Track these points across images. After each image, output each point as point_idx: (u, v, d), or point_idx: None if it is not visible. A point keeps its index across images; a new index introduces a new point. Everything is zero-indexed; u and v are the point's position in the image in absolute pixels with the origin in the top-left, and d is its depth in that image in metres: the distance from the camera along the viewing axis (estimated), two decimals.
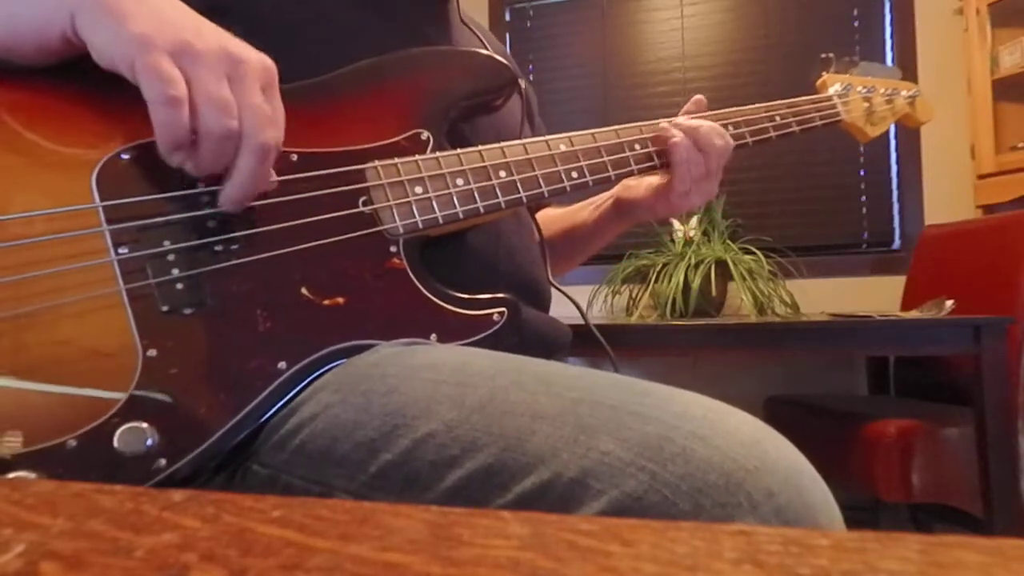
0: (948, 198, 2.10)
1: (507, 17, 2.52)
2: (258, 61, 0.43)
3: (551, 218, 0.84)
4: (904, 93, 0.88)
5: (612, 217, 0.78)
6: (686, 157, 0.65)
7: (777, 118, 0.75)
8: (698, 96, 0.74)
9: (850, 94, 0.84)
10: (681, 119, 0.68)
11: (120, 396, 0.39)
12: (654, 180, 0.71)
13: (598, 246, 0.83)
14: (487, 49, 0.62)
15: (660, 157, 0.66)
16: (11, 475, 0.36)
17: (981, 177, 1.97)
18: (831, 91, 0.83)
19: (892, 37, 2.19)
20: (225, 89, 0.41)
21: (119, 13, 0.40)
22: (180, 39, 0.40)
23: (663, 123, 0.67)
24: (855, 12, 2.22)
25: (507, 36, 2.50)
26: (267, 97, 0.43)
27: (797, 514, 0.31)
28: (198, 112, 0.40)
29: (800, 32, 2.26)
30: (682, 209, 0.70)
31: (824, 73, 0.86)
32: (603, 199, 0.80)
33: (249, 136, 0.42)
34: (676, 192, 0.67)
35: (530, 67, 2.48)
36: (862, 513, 1.80)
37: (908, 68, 2.15)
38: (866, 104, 0.85)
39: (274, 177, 0.46)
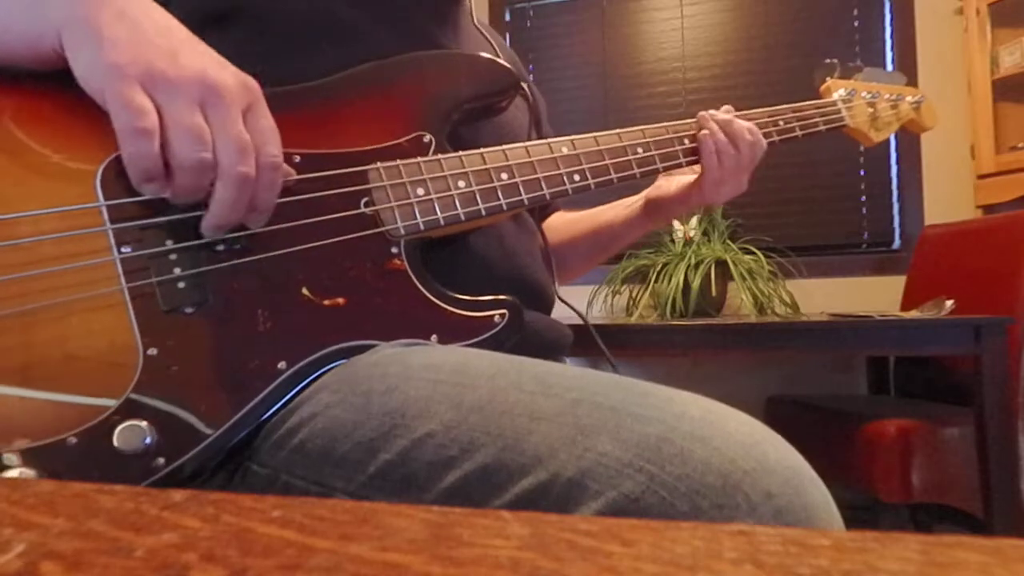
0: (948, 198, 2.10)
1: (507, 17, 2.52)
2: (237, 85, 0.42)
3: (571, 220, 0.86)
4: (909, 99, 0.88)
5: (640, 218, 0.81)
6: (714, 148, 0.69)
7: (781, 122, 0.76)
8: (726, 107, 0.76)
9: (854, 99, 0.84)
10: (715, 111, 0.72)
11: (119, 396, 0.39)
12: (685, 176, 0.75)
13: (622, 245, 0.86)
14: (498, 54, 0.62)
15: (664, 161, 0.67)
16: (11, 472, 0.36)
17: (981, 177, 1.97)
18: (835, 96, 0.84)
19: (892, 37, 2.19)
20: (197, 118, 0.40)
21: (99, 37, 0.40)
22: (153, 68, 0.40)
23: (701, 114, 0.71)
24: (855, 12, 2.22)
25: (507, 36, 2.50)
26: (253, 118, 0.43)
27: (796, 515, 0.31)
28: (170, 143, 0.40)
29: (800, 32, 2.26)
30: (715, 199, 0.73)
31: (828, 79, 0.86)
32: (630, 200, 0.83)
33: (225, 166, 0.41)
34: (708, 180, 0.71)
35: (530, 67, 2.48)
36: (862, 513, 1.80)
37: (908, 68, 2.15)
38: (870, 109, 0.85)
39: (292, 175, 0.46)
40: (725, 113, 0.73)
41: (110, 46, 0.39)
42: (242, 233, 0.45)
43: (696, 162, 0.71)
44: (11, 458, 0.36)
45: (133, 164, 0.40)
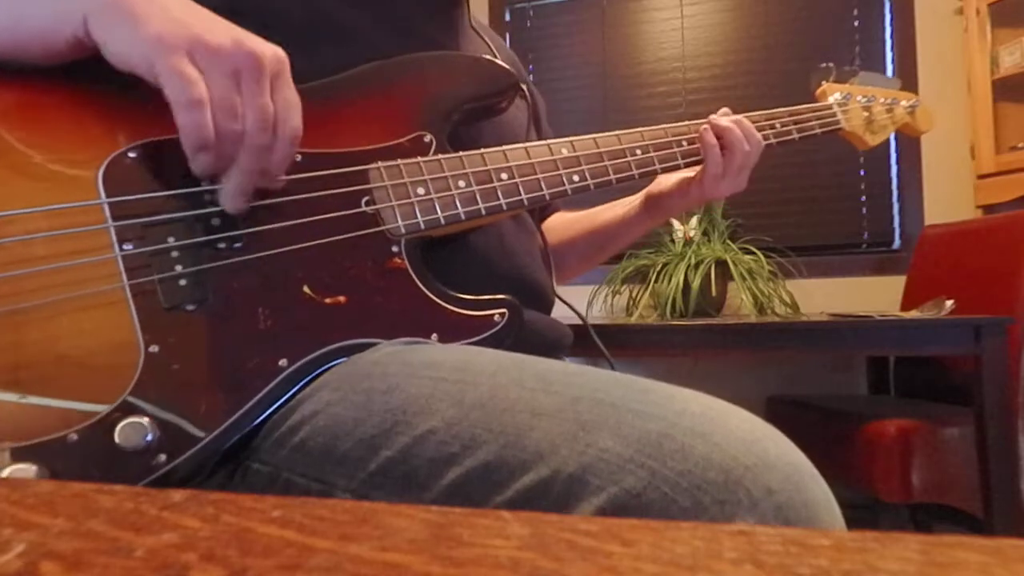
0: (948, 198, 2.10)
1: (507, 17, 2.52)
2: (271, 53, 0.43)
3: (570, 220, 0.86)
4: (904, 103, 0.89)
5: (640, 215, 0.81)
6: (716, 141, 0.70)
7: (778, 125, 0.77)
8: (724, 109, 0.77)
9: (850, 103, 0.85)
10: (720, 119, 0.73)
11: (120, 393, 0.39)
12: (685, 172, 0.75)
13: (621, 245, 0.86)
14: (496, 56, 0.63)
15: (662, 163, 0.67)
16: (10, 469, 0.36)
17: (981, 177, 1.97)
18: (831, 100, 0.84)
19: (892, 37, 2.19)
20: (233, 90, 0.42)
21: (133, 14, 0.40)
22: (196, 37, 0.41)
23: (711, 117, 0.72)
24: (855, 12, 2.22)
25: (507, 36, 2.50)
26: (278, 87, 0.44)
27: (797, 511, 0.31)
28: (214, 115, 0.41)
29: (800, 32, 2.27)
30: (715, 195, 0.74)
31: (824, 82, 0.87)
32: (629, 200, 0.83)
33: (250, 135, 0.42)
34: (709, 175, 0.72)
35: (530, 67, 2.48)
36: (862, 513, 1.80)
37: (908, 68, 2.15)
38: (866, 113, 0.86)
39: (282, 177, 0.46)
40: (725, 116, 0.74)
41: (147, 21, 0.40)
42: (243, 231, 0.45)
43: (694, 163, 0.72)
44: (4, 457, 0.36)
45: (190, 134, 0.41)
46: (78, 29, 0.41)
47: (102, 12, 0.41)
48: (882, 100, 0.87)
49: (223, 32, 0.42)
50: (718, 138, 0.71)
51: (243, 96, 0.42)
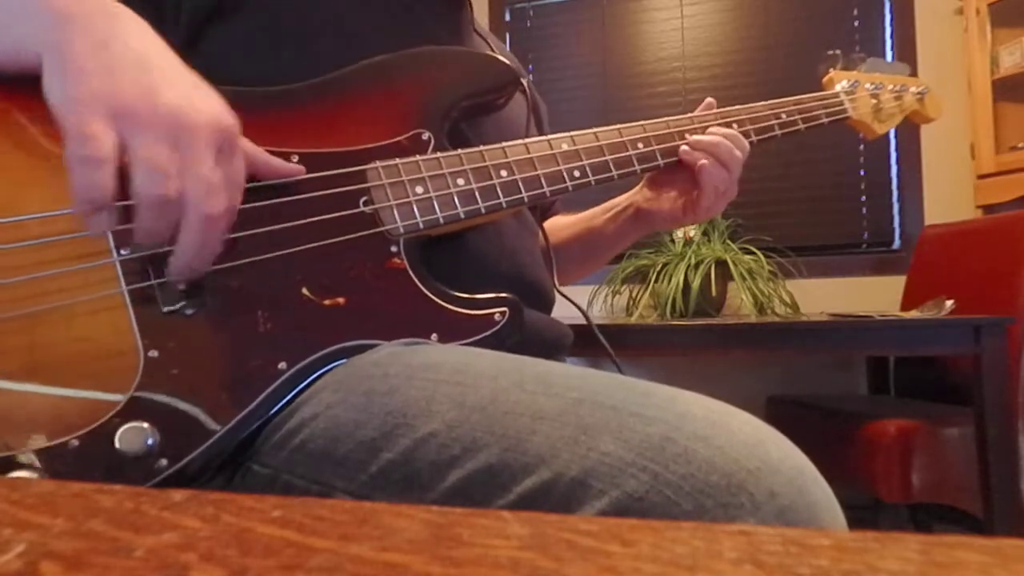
0: (948, 198, 2.10)
1: (507, 17, 2.52)
2: (211, 123, 0.40)
3: (563, 224, 0.84)
4: (913, 89, 0.87)
5: (632, 226, 0.79)
6: (714, 175, 0.68)
7: (783, 115, 0.75)
8: (709, 99, 0.74)
9: (857, 91, 0.82)
10: (699, 136, 0.69)
11: (120, 398, 0.39)
12: (676, 192, 0.74)
13: (614, 253, 0.85)
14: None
15: (664, 156, 0.66)
16: (12, 474, 0.36)
17: (981, 177, 1.97)
18: (837, 88, 0.82)
19: (892, 37, 2.19)
20: (163, 154, 0.38)
21: (70, 65, 0.38)
22: (122, 104, 0.38)
23: (684, 144, 0.68)
24: (855, 12, 2.22)
25: (507, 36, 2.50)
26: (223, 159, 0.41)
27: (799, 515, 0.31)
28: (132, 176, 0.38)
29: (800, 32, 2.26)
30: (708, 217, 0.74)
31: (831, 70, 0.85)
32: (619, 206, 0.80)
33: (190, 205, 0.39)
34: (703, 207, 0.71)
35: (530, 67, 2.48)
36: (862, 513, 1.80)
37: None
38: (874, 101, 0.83)
39: (301, 172, 0.45)
40: (711, 133, 0.69)
41: (79, 77, 0.38)
42: (240, 234, 0.45)
43: (685, 169, 0.70)
44: (29, 456, 0.36)
45: (78, 193, 0.37)
46: (37, 62, 0.39)
47: (49, 56, 0.38)
48: (890, 87, 0.85)
49: (165, 99, 0.39)
50: (708, 153, 0.68)
51: (182, 163, 0.39)
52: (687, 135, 0.68)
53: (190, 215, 0.39)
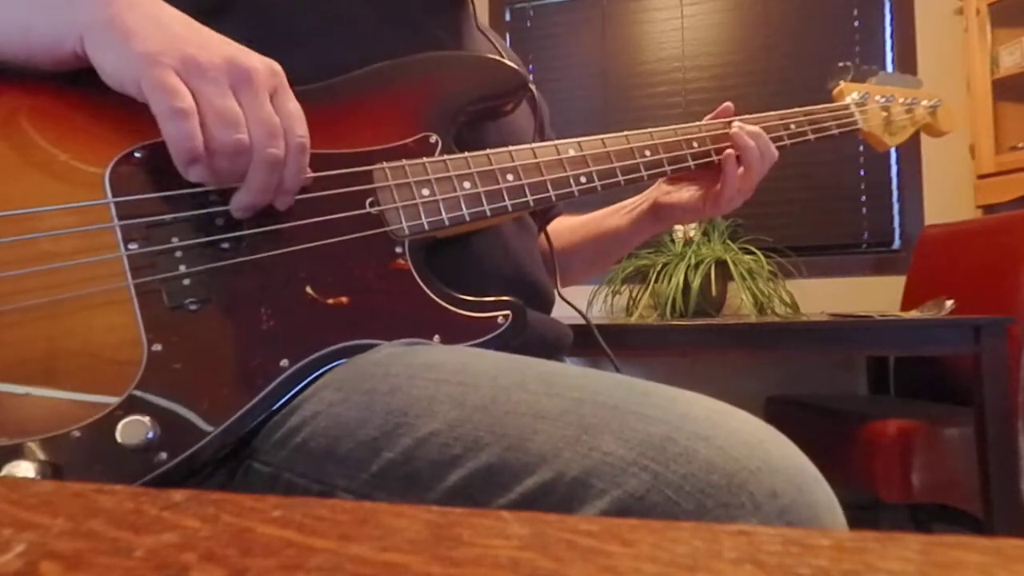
0: (948, 198, 2.10)
1: (507, 17, 2.52)
2: (265, 68, 0.44)
3: (575, 225, 0.84)
4: (925, 103, 0.87)
5: (649, 220, 0.79)
6: (739, 167, 0.69)
7: (792, 126, 0.75)
8: (727, 104, 0.75)
9: (868, 103, 0.83)
10: (744, 125, 0.71)
11: (123, 391, 0.40)
12: (697, 185, 0.74)
13: (628, 250, 0.85)
14: (503, 56, 0.62)
15: (673, 163, 0.66)
16: (12, 464, 0.36)
17: (981, 177, 1.97)
18: (848, 100, 0.82)
19: (892, 37, 2.19)
20: (231, 102, 0.42)
21: (125, 32, 0.41)
22: (185, 54, 0.41)
23: (735, 126, 0.70)
24: (855, 12, 2.22)
25: (507, 36, 2.50)
26: (279, 102, 0.44)
27: (800, 514, 0.31)
28: (207, 126, 0.41)
29: (800, 32, 2.26)
30: (728, 210, 0.73)
31: (841, 82, 0.85)
32: (634, 203, 0.81)
33: (257, 149, 0.42)
34: (726, 197, 0.71)
35: (530, 67, 2.48)
36: (862, 513, 1.80)
37: (908, 69, 2.14)
38: (884, 113, 0.84)
39: (309, 173, 0.47)
40: (753, 125, 0.71)
41: (138, 39, 0.40)
42: (246, 232, 0.45)
43: (706, 164, 0.70)
44: (31, 449, 0.37)
45: (176, 145, 0.41)
46: (77, 47, 0.41)
47: (97, 31, 0.41)
48: (901, 100, 0.85)
49: (217, 49, 0.42)
50: (737, 152, 0.69)
51: (244, 109, 0.42)
52: (695, 143, 0.69)
53: (257, 156, 0.42)
